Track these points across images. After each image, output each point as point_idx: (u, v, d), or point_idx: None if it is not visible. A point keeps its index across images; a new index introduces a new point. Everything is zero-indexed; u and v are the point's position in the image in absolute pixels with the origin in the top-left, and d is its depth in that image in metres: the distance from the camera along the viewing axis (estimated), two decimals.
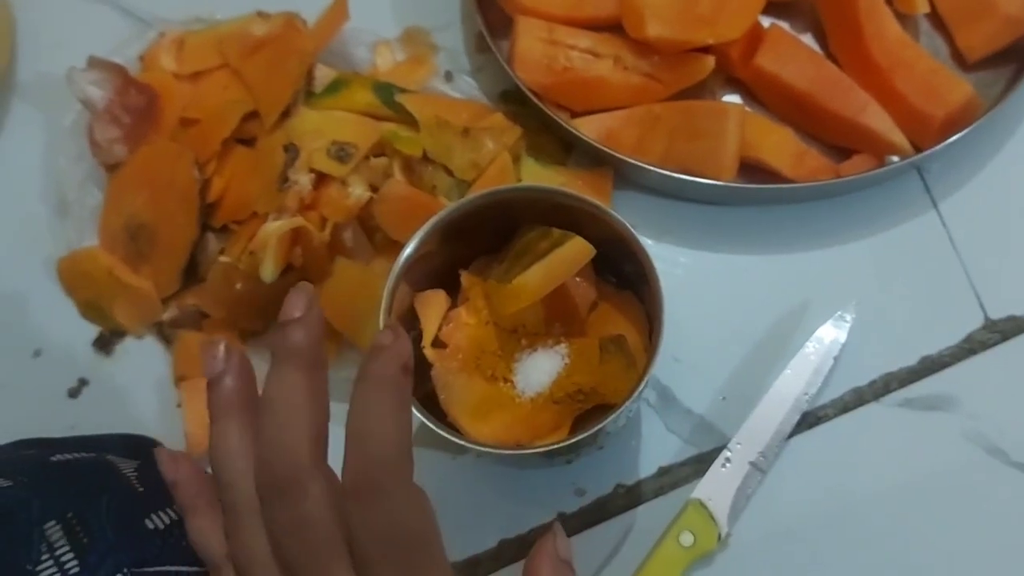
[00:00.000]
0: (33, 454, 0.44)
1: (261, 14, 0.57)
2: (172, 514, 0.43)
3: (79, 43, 0.58)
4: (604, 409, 0.44)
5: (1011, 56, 0.56)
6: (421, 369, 0.45)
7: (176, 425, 0.52)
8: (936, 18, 0.58)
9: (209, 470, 0.51)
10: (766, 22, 0.56)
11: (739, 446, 0.49)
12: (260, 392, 0.33)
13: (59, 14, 0.63)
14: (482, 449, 0.43)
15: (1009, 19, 0.55)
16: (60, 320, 0.55)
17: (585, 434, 0.42)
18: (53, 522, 0.39)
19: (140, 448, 0.49)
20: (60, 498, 0.40)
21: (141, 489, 0.43)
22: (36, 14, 0.63)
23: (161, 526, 0.42)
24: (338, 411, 0.52)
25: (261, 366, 0.53)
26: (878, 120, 0.53)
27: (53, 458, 0.44)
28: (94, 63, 0.55)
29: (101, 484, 0.42)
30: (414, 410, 0.42)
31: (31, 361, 0.55)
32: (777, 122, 0.56)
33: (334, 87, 0.55)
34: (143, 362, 0.54)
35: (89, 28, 0.62)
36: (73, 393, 0.54)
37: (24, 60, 0.62)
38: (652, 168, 0.53)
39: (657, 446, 0.51)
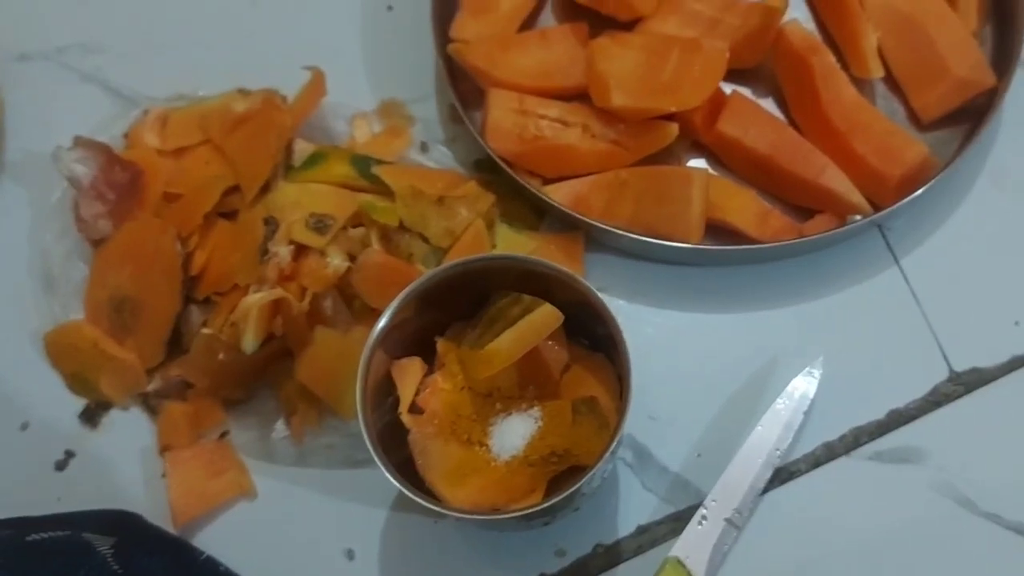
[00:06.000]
0: (10, 535, 0.44)
1: (242, 91, 0.59)
2: None
3: (66, 122, 0.60)
4: (578, 470, 0.45)
5: (964, 116, 0.58)
6: (399, 435, 0.46)
7: (161, 495, 0.53)
8: (891, 81, 0.60)
9: (194, 541, 0.52)
10: (727, 89, 0.58)
11: (714, 503, 0.50)
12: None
13: (46, 94, 0.65)
14: (459, 515, 0.44)
15: (961, 81, 0.57)
16: (46, 393, 0.56)
17: (559, 497, 0.43)
18: None
19: (118, 524, 0.50)
20: None
21: (116, 567, 0.43)
22: (24, 94, 0.65)
23: None
24: (319, 478, 0.53)
25: (242, 434, 0.54)
26: (837, 181, 0.55)
27: (29, 538, 0.44)
28: (80, 142, 0.57)
29: (76, 563, 0.43)
30: (392, 479, 0.43)
31: (18, 434, 0.56)
32: (741, 184, 0.58)
33: (312, 160, 0.56)
34: (128, 433, 0.55)
35: (76, 107, 0.64)
36: (60, 466, 0.55)
37: (12, 139, 0.63)
38: (621, 232, 0.54)
39: (635, 505, 0.52)
